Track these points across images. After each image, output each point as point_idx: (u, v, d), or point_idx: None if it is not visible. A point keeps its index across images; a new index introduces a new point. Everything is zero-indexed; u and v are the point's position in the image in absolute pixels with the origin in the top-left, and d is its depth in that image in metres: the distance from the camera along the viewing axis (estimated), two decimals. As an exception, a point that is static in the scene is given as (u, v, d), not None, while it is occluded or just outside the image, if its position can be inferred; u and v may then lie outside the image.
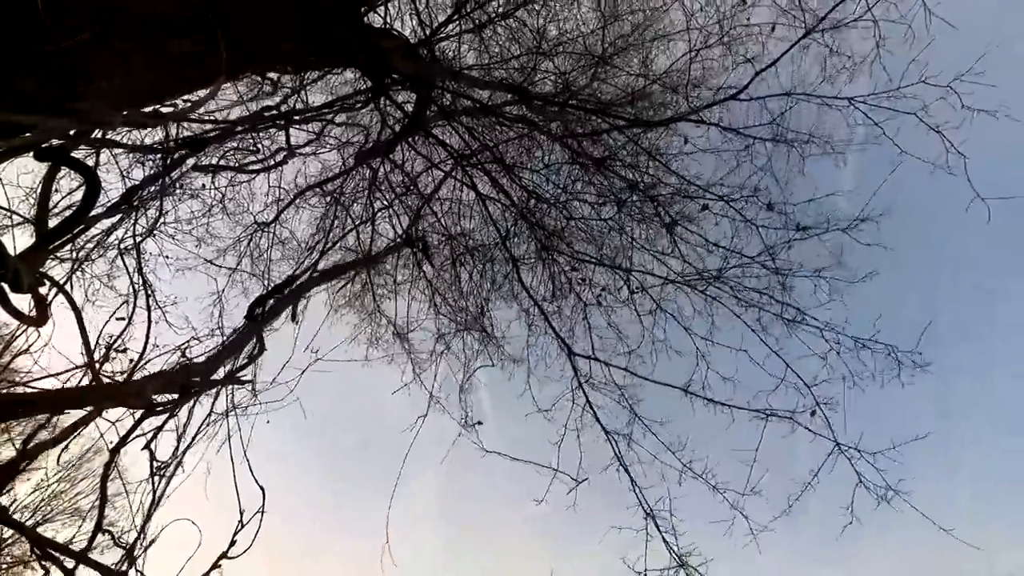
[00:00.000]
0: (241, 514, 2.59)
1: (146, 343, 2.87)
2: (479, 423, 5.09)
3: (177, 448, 2.95)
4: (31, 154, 2.46)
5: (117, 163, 4.13)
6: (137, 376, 3.11)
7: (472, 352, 6.04)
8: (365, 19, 4.59)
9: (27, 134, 2.17)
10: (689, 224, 5.22)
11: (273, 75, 4.96)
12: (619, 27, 6.24)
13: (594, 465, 4.98)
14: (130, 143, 3.82)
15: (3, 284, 2.30)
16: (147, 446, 3.20)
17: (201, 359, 3.35)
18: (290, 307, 3.02)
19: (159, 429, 3.18)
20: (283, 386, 3.44)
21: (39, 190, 2.82)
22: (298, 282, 3.24)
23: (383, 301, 6.77)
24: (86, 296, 4.54)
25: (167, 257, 4.65)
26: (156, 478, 3.11)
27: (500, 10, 5.67)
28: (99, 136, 2.97)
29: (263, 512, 2.59)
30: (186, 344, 3.05)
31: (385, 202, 6.07)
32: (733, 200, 4.98)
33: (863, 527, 4.73)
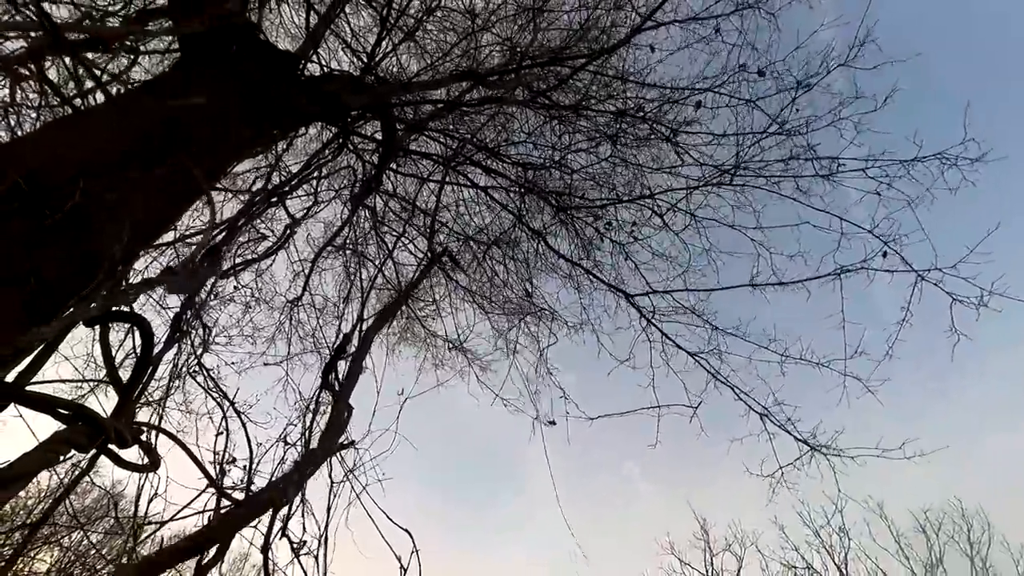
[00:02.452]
0: (399, 559, 2.71)
1: (250, 447, 3.02)
2: (552, 422, 5.08)
3: (323, 523, 3.11)
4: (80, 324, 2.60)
5: (152, 298, 4.35)
6: (253, 479, 3.28)
7: (537, 334, 6.08)
8: (304, 73, 4.62)
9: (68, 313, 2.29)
10: (688, 128, 5.06)
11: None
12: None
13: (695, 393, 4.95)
14: (155, 278, 3.98)
15: (111, 446, 2.45)
16: (284, 534, 3.39)
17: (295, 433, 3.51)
18: (362, 364, 3.11)
19: (289, 516, 3.35)
20: (383, 434, 3.59)
21: (101, 351, 2.95)
22: (356, 341, 3.33)
23: (431, 323, 6.89)
24: (178, 428, 4.81)
25: (231, 364, 4.88)
26: (300, 558, 3.28)
27: (424, 8, 5.61)
28: (129, 284, 3.11)
29: (416, 551, 2.72)
30: (285, 432, 3.20)
31: (395, 233, 6.14)
32: (721, 86, 4.79)
33: (974, 345, 4.56)
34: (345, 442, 3.14)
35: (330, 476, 3.09)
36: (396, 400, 3.64)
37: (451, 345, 6.85)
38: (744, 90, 4.74)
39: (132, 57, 3.63)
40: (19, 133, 3.52)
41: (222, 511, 2.84)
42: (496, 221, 6.09)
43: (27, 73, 4.00)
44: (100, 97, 3.12)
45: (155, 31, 3.08)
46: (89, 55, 3.69)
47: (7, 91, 3.97)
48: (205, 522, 3.08)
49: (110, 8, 4.60)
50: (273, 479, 2.78)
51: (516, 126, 6.27)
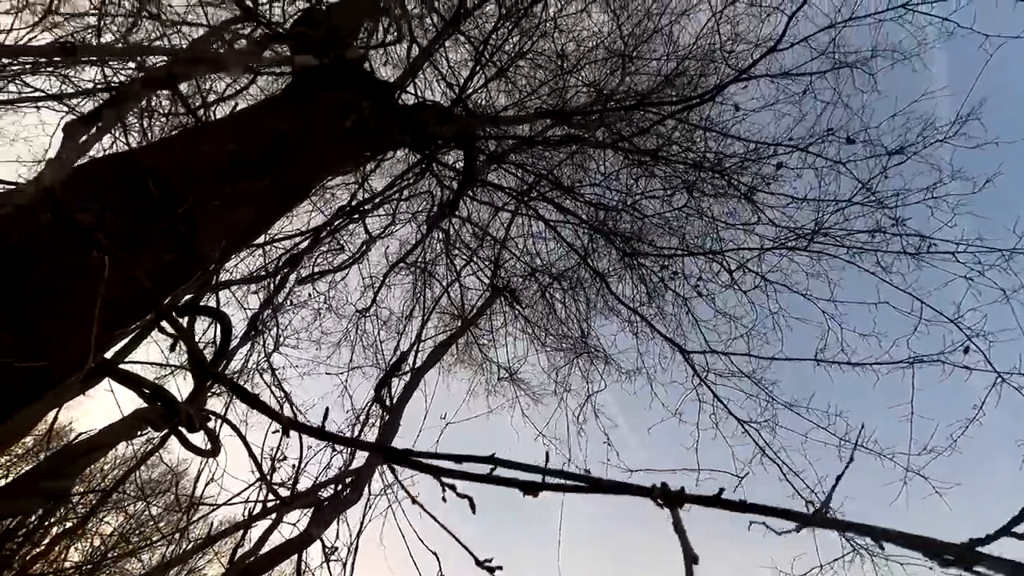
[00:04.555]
0: (423, 583, 2.74)
1: (301, 448, 3.19)
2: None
3: (353, 531, 3.21)
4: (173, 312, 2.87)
5: (235, 297, 4.72)
6: (300, 478, 3.44)
7: (588, 375, 6.02)
8: (399, 101, 4.93)
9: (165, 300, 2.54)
10: (768, 187, 4.92)
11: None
12: (633, 19, 6.22)
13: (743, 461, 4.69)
14: (241, 277, 4.36)
15: (181, 428, 2.66)
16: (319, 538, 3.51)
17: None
18: (416, 387, 3.22)
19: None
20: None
21: (185, 340, 3.20)
22: (416, 364, 3.46)
23: (488, 350, 6.98)
24: (241, 419, 5.14)
25: (296, 367, 5.19)
26: (330, 563, 3.38)
27: (516, 48, 5.85)
28: (217, 281, 3.40)
29: (441, 574, 2.75)
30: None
31: (464, 258, 6.32)
32: (808, 147, 4.64)
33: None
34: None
35: (368, 489, 3.20)
36: (440, 421, 3.71)
37: (504, 374, 6.90)
38: (831, 153, 4.56)
39: (251, 77, 4.03)
40: (150, 137, 3.98)
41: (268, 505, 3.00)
42: (562, 258, 6.14)
43: (165, 80, 4.51)
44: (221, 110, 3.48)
45: (274, 59, 3.41)
46: (215, 74, 4.14)
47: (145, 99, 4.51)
48: (251, 512, 3.25)
49: (238, 31, 5.14)
50: (317, 482, 2.91)
51: (593, 166, 6.36)
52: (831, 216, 4.45)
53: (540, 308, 6.42)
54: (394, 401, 3.04)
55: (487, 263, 6.14)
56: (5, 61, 3.64)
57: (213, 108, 4.64)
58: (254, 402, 1.66)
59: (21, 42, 3.67)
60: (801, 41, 4.44)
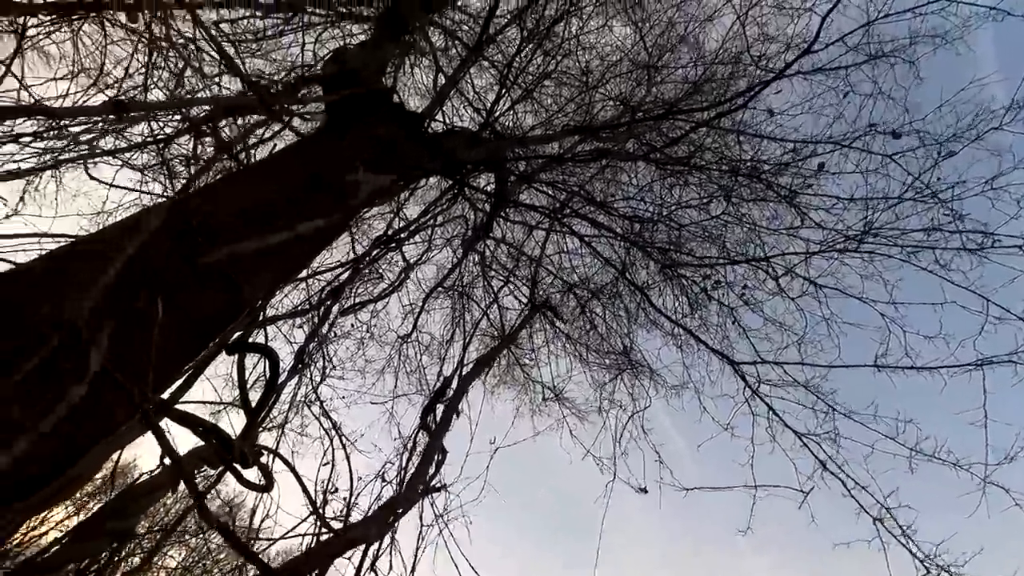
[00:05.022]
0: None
1: (351, 479, 3.22)
2: (644, 490, 4.80)
3: (409, 565, 3.20)
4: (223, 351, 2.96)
5: (281, 331, 4.87)
6: (351, 511, 3.46)
7: (634, 391, 5.88)
8: (429, 130, 5.03)
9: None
10: (810, 188, 4.73)
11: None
12: (656, 29, 6.19)
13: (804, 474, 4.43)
14: (286, 311, 4.49)
15: (236, 465, 2.72)
16: (372, 569, 3.51)
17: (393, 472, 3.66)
18: (457, 408, 3.21)
19: (379, 554, 3.48)
20: (473, 480, 3.64)
21: (236, 377, 3.28)
22: (455, 385, 3.46)
23: (531, 369, 6.93)
24: (293, 452, 5.25)
25: (343, 398, 5.28)
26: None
27: (540, 68, 5.90)
28: (264, 317, 3.49)
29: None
30: (383, 469, 3.37)
31: (501, 279, 6.33)
32: (851, 144, 4.44)
33: None
34: (437, 485, 3.22)
35: (420, 518, 3.19)
36: (489, 446, 3.68)
37: (548, 394, 6.83)
38: (876, 149, 4.34)
39: (287, 119, 4.18)
40: (197, 183, 4.16)
41: (321, 538, 3.02)
42: (600, 272, 6.07)
43: (206, 131, 4.74)
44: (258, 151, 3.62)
45: (307, 99, 3.52)
46: (252, 117, 4.32)
47: (191, 146, 4.74)
48: (306, 545, 3.28)
49: (274, 78, 5.37)
50: (368, 514, 2.92)
51: (625, 179, 6.30)
52: (881, 215, 4.24)
53: (580, 324, 6.36)
54: (436, 428, 3.04)
55: (524, 282, 6.13)
56: (65, 123, 3.88)
57: (254, 150, 4.83)
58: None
59: (78, 104, 3.93)
60: (837, 41, 4.29)
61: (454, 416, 3.14)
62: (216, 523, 1.91)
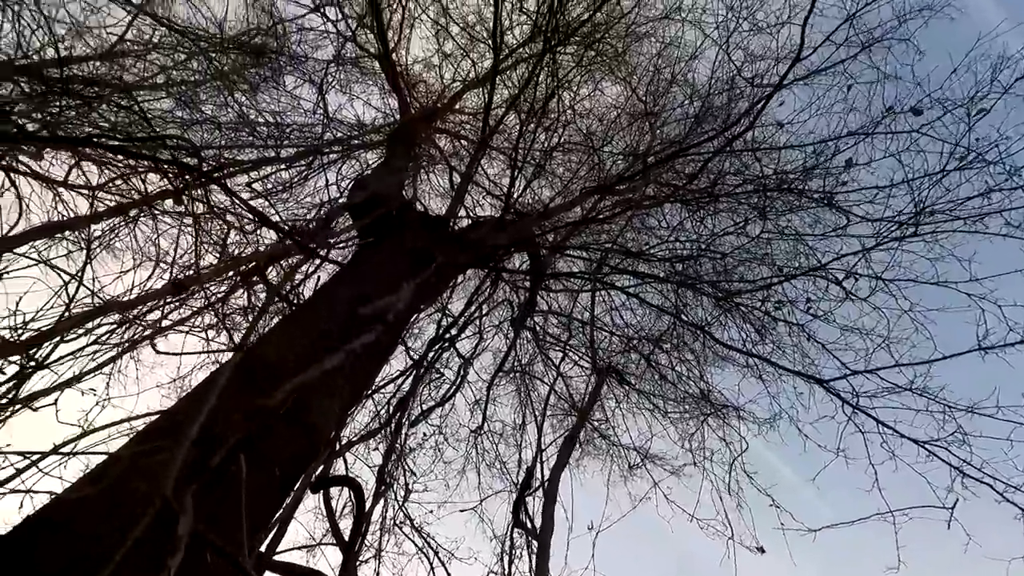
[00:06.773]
0: None
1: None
2: (761, 549, 4.37)
3: None
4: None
5: (359, 457, 4.90)
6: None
7: (726, 435, 5.52)
8: (454, 227, 5.22)
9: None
10: (844, 185, 4.57)
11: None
12: (644, 79, 6.43)
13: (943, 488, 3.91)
14: (359, 434, 4.54)
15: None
16: None
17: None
18: (554, 501, 3.09)
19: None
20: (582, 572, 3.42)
21: (325, 513, 3.27)
22: (546, 476, 3.35)
23: (611, 433, 6.66)
24: (393, 571, 5.11)
25: (431, 512, 5.18)
26: None
27: (545, 144, 6.14)
28: (340, 446, 3.54)
29: None
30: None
31: (558, 350, 6.27)
32: (872, 132, 4.32)
33: None
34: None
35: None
36: (588, 532, 3.48)
37: (635, 457, 6.50)
38: (901, 127, 4.20)
39: (325, 254, 4.44)
40: (256, 331, 4.41)
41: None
42: (656, 321, 5.94)
43: (256, 281, 5.07)
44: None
45: (339, 231, 3.75)
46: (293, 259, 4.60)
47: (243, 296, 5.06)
48: None
49: (307, 216, 5.77)
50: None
51: (654, 222, 6.30)
52: (930, 191, 4.00)
53: (650, 376, 6.14)
54: (537, 526, 2.91)
55: (583, 349, 6.04)
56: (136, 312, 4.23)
57: (301, 287, 5.11)
58: None
59: (144, 291, 4.30)
60: (824, 42, 4.31)
61: (552, 516, 2.99)
62: None
